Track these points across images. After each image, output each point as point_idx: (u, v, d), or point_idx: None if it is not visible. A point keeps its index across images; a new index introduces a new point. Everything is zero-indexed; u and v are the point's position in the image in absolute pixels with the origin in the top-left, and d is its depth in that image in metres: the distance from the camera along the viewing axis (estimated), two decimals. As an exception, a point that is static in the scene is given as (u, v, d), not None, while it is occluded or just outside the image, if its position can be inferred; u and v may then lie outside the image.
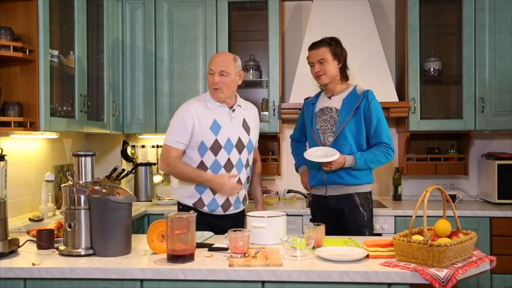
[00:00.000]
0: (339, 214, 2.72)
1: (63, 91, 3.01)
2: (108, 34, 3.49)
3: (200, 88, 3.74)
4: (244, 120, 2.66)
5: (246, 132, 2.65)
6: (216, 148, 2.55)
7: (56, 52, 2.83)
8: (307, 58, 2.81)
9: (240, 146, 2.61)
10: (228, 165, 2.58)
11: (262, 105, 3.94)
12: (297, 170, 3.05)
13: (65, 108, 2.99)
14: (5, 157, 2.02)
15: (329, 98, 2.79)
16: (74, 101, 3.02)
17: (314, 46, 2.78)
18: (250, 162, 2.72)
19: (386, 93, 3.54)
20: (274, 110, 3.71)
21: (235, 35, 4.00)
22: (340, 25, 3.68)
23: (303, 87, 3.55)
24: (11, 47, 2.52)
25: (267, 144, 4.08)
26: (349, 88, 2.77)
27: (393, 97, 3.55)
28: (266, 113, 3.80)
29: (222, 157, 2.56)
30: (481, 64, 3.56)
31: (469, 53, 3.57)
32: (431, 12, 3.83)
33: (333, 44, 2.74)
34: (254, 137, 2.71)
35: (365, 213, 2.68)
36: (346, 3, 3.76)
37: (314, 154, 2.64)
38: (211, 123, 2.57)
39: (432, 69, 3.75)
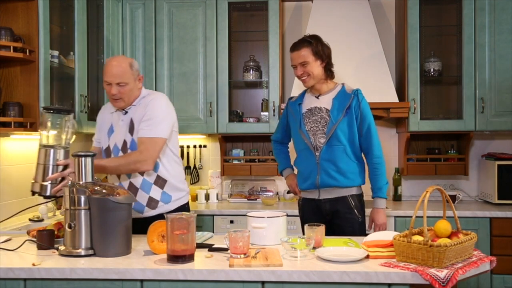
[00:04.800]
0: (332, 217, 2.67)
1: (63, 91, 3.01)
2: (108, 34, 3.49)
3: (200, 88, 3.74)
4: (131, 120, 2.50)
5: (130, 134, 2.49)
6: (108, 152, 2.55)
7: (56, 53, 2.83)
8: (291, 60, 2.70)
9: (125, 149, 2.49)
10: None
11: (262, 106, 3.94)
12: (281, 173, 2.99)
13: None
14: None
15: (317, 98, 2.70)
16: (74, 102, 3.02)
17: (294, 47, 2.68)
18: None
19: (386, 93, 3.54)
20: (274, 110, 3.71)
21: (235, 36, 4.00)
22: (340, 25, 3.68)
23: (303, 87, 3.54)
24: (11, 47, 2.53)
25: (267, 144, 4.07)
26: (337, 87, 2.69)
27: (393, 98, 3.55)
28: (266, 113, 3.81)
29: None
30: (481, 65, 3.56)
31: (469, 54, 3.57)
32: (431, 12, 3.83)
33: (314, 43, 2.62)
34: (137, 134, 2.47)
35: (359, 216, 2.63)
36: (346, 3, 3.77)
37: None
38: (108, 128, 2.58)
39: (432, 70, 3.75)
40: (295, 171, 2.88)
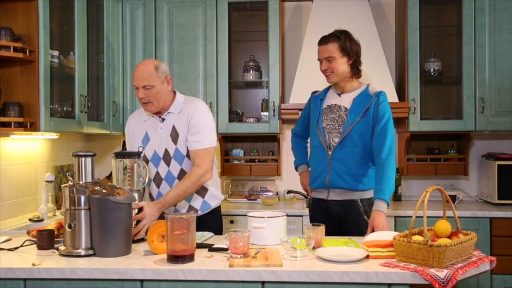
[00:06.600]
0: (340, 221, 2.59)
1: (63, 91, 3.01)
2: (108, 34, 3.49)
3: (200, 88, 3.74)
4: (173, 127, 2.48)
5: (173, 142, 2.47)
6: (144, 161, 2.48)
7: (56, 53, 2.83)
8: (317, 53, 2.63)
9: (167, 158, 2.49)
10: (157, 179, 2.53)
11: (262, 106, 3.94)
12: (296, 168, 2.93)
13: (65, 108, 2.99)
14: None
15: (339, 95, 2.63)
16: (74, 102, 3.02)
17: (322, 41, 2.59)
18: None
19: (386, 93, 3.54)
20: (274, 110, 3.71)
21: (235, 36, 4.00)
22: (340, 25, 3.63)
23: (303, 87, 3.56)
24: (11, 47, 2.53)
25: (267, 144, 4.08)
26: (361, 87, 2.60)
27: (393, 98, 3.55)
28: (266, 113, 3.80)
29: (151, 170, 2.52)
30: (481, 65, 3.56)
31: (469, 54, 3.58)
32: (431, 12, 3.83)
33: (342, 38, 2.54)
34: (183, 145, 2.46)
35: (368, 220, 2.44)
36: (346, 3, 3.77)
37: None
38: (143, 136, 2.55)
39: (432, 70, 3.75)
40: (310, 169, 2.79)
